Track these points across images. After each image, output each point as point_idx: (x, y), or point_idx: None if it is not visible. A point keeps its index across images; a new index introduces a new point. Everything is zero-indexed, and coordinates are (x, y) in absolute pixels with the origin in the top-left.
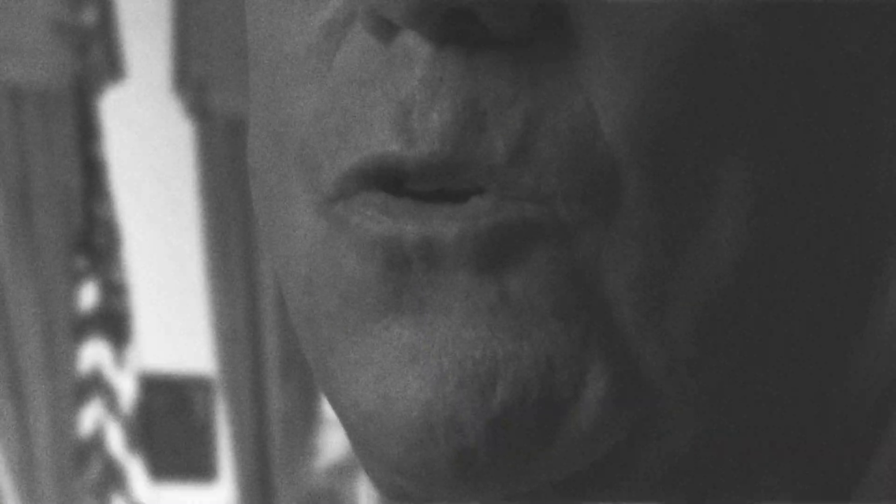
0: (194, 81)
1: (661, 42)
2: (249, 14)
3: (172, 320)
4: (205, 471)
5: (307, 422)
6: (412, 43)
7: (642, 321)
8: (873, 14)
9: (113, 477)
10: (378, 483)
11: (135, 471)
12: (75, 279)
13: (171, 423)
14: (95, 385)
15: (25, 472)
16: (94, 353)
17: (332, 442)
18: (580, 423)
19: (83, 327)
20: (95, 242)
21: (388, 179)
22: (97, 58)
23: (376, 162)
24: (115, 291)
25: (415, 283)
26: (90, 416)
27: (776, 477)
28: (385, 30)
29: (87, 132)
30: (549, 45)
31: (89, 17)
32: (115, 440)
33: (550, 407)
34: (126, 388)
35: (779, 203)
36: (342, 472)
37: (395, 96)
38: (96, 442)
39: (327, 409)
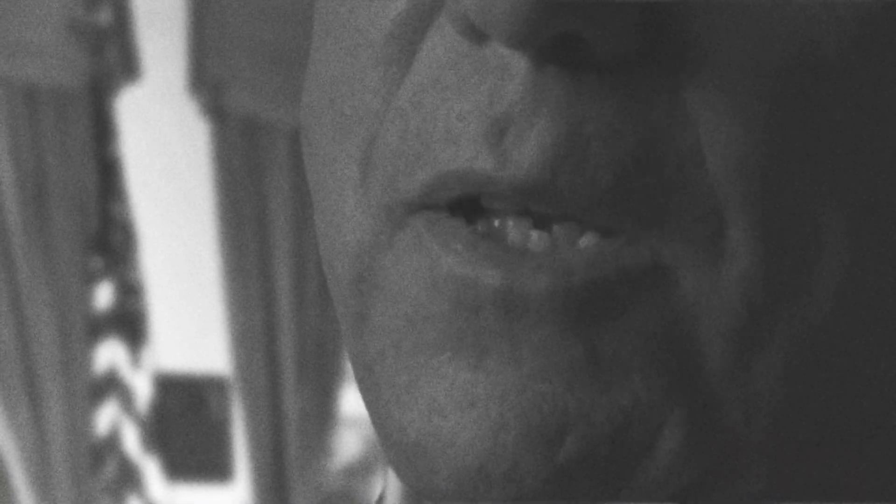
0: (210, 81)
1: (775, 78)
2: None
3: (188, 320)
4: (220, 471)
5: (323, 422)
6: (509, 53)
7: (729, 370)
8: None
9: (128, 477)
10: (408, 484)
11: (150, 471)
12: (91, 279)
13: (186, 423)
14: (111, 385)
15: (41, 472)
16: (109, 354)
17: (348, 442)
18: (649, 473)
19: (98, 327)
20: (111, 242)
21: (468, 195)
22: (112, 58)
23: (462, 177)
24: (130, 291)
25: (482, 330)
26: (106, 416)
27: None
28: (478, 34)
29: (102, 132)
30: (656, 73)
31: (105, 16)
32: (131, 440)
33: (621, 460)
34: (141, 388)
35: (874, 253)
36: (357, 472)
37: (489, 111)
38: (112, 442)
39: (343, 410)
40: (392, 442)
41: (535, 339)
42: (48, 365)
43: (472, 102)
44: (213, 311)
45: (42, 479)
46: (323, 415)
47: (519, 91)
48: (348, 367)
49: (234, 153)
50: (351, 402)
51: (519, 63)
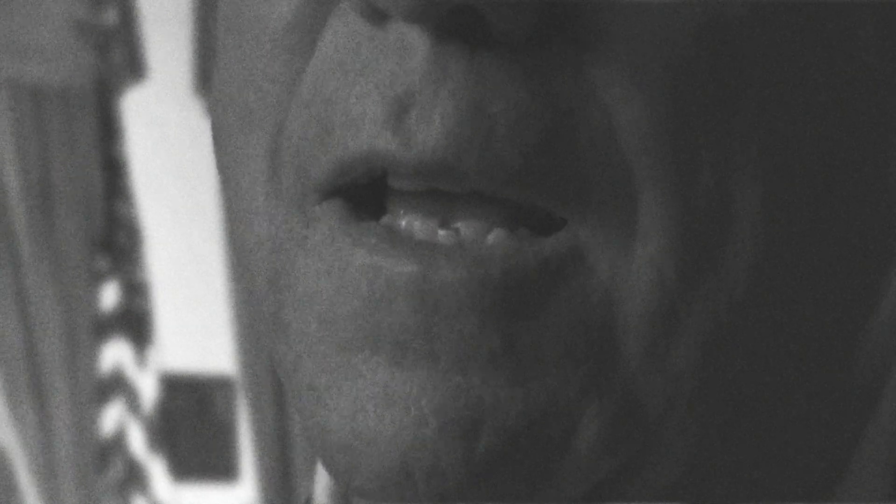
0: None
1: (680, 51)
2: None
3: (194, 320)
4: (226, 470)
5: None
6: (409, 32)
7: (648, 355)
8: (889, 20)
9: (134, 477)
10: (339, 484)
11: (156, 471)
12: (96, 279)
13: (192, 423)
14: (117, 385)
15: (47, 472)
16: (115, 353)
17: None
18: (569, 467)
19: (104, 327)
20: (117, 242)
21: (373, 175)
22: (118, 58)
23: (365, 159)
24: (136, 291)
25: (398, 326)
26: (111, 416)
27: (763, 495)
28: (378, 15)
29: (108, 132)
30: (559, 52)
31: (110, 17)
32: (137, 440)
33: (538, 455)
34: (147, 388)
35: (792, 227)
36: None
37: (390, 91)
38: (118, 442)
39: None
40: (318, 444)
41: (452, 333)
42: (54, 365)
43: (373, 83)
44: (219, 311)
45: (48, 479)
46: None
47: (420, 70)
48: None
49: None
50: None
51: (419, 42)
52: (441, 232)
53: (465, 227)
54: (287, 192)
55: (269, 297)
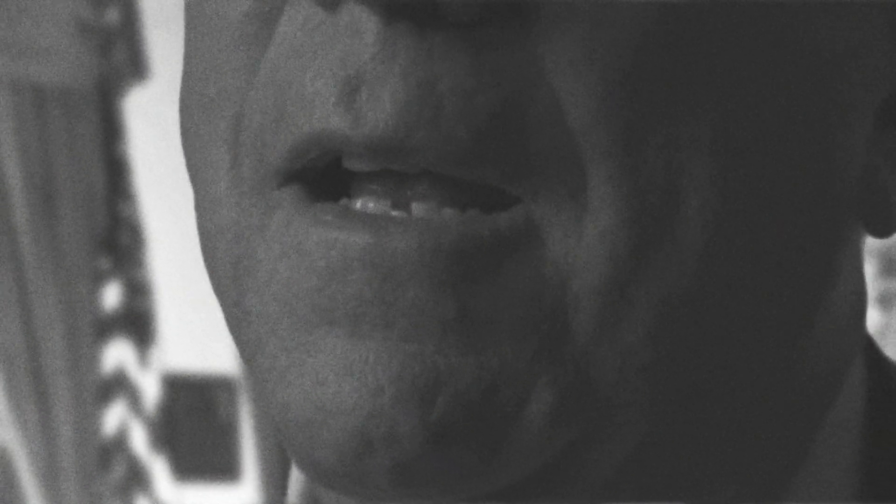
0: None
1: (628, 30)
2: None
3: (196, 320)
4: (228, 470)
5: None
6: (360, 15)
7: (599, 328)
8: (847, 15)
9: (136, 477)
10: (305, 472)
11: (158, 471)
12: (99, 279)
13: (194, 423)
14: (119, 385)
15: (49, 473)
16: (117, 354)
17: None
18: (522, 438)
19: (106, 327)
20: (119, 242)
21: (328, 158)
22: (121, 58)
23: (317, 139)
24: (138, 291)
25: (353, 297)
26: (114, 417)
27: (719, 478)
28: (331, 0)
29: (110, 132)
30: (509, 30)
31: (113, 16)
32: (139, 440)
33: (492, 422)
34: (149, 388)
35: (742, 203)
36: None
37: (342, 71)
38: (120, 442)
39: None
40: (280, 424)
41: (407, 300)
42: (56, 365)
43: (325, 64)
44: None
45: (50, 480)
46: None
47: (370, 50)
48: None
49: None
50: None
51: (370, 23)
52: (394, 212)
53: (417, 208)
54: (247, 180)
55: (231, 284)
